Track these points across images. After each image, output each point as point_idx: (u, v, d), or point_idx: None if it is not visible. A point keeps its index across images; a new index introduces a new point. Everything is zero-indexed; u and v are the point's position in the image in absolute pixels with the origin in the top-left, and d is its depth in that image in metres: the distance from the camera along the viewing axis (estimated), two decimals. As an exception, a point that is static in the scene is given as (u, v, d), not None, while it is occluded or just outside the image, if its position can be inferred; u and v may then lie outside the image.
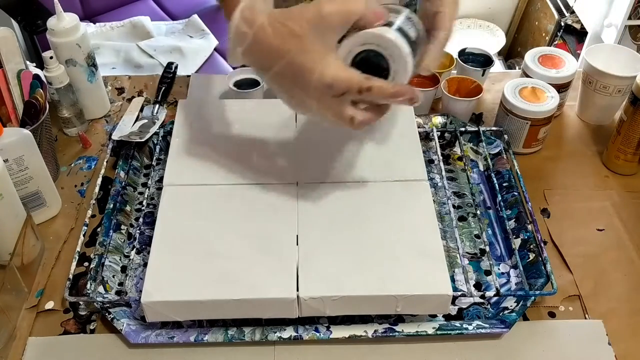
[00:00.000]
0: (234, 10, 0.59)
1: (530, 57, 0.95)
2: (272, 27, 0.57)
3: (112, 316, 0.68)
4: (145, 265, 0.72)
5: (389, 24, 0.59)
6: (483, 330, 0.68)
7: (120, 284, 0.74)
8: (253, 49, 0.59)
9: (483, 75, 0.97)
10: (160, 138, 0.88)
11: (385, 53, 0.59)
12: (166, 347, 0.68)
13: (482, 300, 0.72)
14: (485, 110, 0.99)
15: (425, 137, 0.90)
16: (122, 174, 0.84)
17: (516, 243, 0.77)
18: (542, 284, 0.71)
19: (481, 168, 0.89)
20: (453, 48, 0.85)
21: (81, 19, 0.92)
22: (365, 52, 0.59)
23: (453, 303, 0.71)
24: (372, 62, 0.59)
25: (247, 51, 0.59)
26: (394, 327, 0.68)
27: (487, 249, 0.76)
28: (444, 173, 0.83)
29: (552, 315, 0.72)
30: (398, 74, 0.59)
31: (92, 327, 0.70)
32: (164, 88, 1.00)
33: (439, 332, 0.67)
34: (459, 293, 0.70)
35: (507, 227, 0.78)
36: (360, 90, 0.57)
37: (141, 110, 0.96)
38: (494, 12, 2.44)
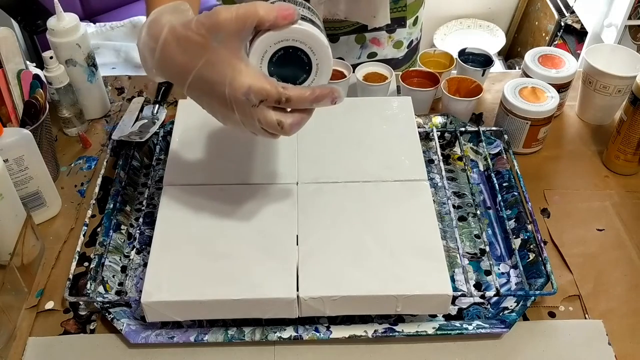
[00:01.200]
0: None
1: (530, 57, 0.95)
2: (175, 41, 0.55)
3: (112, 316, 0.68)
4: (145, 265, 0.72)
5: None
6: (483, 330, 0.68)
7: (120, 284, 0.74)
8: (162, 65, 0.57)
9: (483, 75, 0.97)
10: (160, 138, 0.88)
11: (304, 47, 0.56)
12: (166, 347, 0.68)
13: (482, 300, 0.72)
14: (485, 110, 0.99)
15: (425, 137, 0.90)
16: (122, 174, 0.84)
17: (516, 243, 0.77)
18: (542, 284, 0.71)
19: (481, 168, 0.89)
20: (453, 48, 0.85)
21: (81, 19, 0.92)
22: (283, 49, 0.56)
23: (453, 303, 0.71)
24: (292, 58, 0.57)
25: (157, 67, 0.58)
26: (394, 327, 0.68)
27: (487, 249, 0.76)
28: (444, 173, 0.83)
29: (552, 315, 0.72)
30: (321, 66, 0.57)
31: (92, 327, 0.70)
32: (164, 88, 1.00)
33: (439, 332, 0.67)
34: (459, 293, 0.70)
35: (507, 227, 0.78)
36: (278, 101, 0.55)
37: (141, 110, 0.96)
38: (494, 12, 2.44)
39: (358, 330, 0.68)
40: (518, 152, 0.91)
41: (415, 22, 1.07)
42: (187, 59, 0.55)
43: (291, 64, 0.57)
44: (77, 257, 0.73)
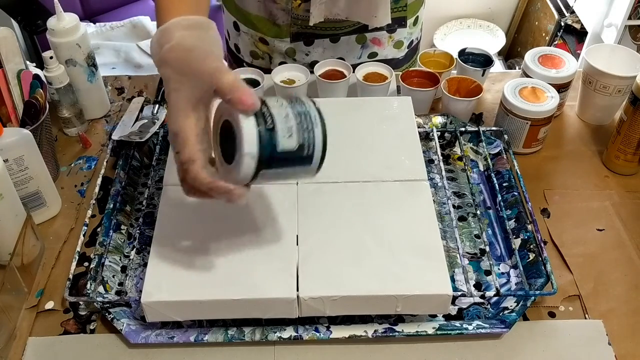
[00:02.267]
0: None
1: (530, 57, 0.95)
2: (169, 61, 0.59)
3: (112, 316, 0.68)
4: (145, 265, 0.72)
5: (262, 108, 0.56)
6: (483, 330, 0.68)
7: (120, 284, 0.74)
8: (158, 69, 0.61)
9: (483, 75, 0.97)
10: (160, 138, 0.88)
11: (237, 135, 0.56)
12: (166, 347, 0.68)
13: (482, 300, 0.72)
14: (485, 110, 0.99)
15: (425, 137, 0.90)
16: (122, 174, 0.84)
17: (516, 243, 0.77)
18: (542, 284, 0.71)
19: (481, 168, 0.89)
20: (453, 48, 0.85)
21: (81, 19, 0.92)
22: (229, 122, 0.57)
23: (453, 303, 0.71)
24: (231, 136, 0.57)
25: (160, 60, 0.61)
26: (394, 327, 0.68)
27: (487, 249, 0.76)
28: (444, 173, 0.83)
29: (552, 315, 0.72)
30: (237, 163, 0.56)
31: (92, 327, 0.70)
32: (164, 88, 1.00)
33: (439, 332, 0.67)
34: (459, 293, 0.70)
35: (507, 227, 0.78)
36: (185, 162, 0.58)
37: (141, 110, 0.96)
38: (494, 12, 2.44)
39: (358, 330, 0.68)
40: (518, 152, 0.91)
41: (415, 22, 1.07)
42: (167, 77, 0.60)
43: (230, 139, 0.57)
44: (77, 257, 0.73)
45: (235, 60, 1.11)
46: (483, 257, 0.77)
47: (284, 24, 0.99)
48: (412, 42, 1.09)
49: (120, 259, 0.76)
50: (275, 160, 0.56)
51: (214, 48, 0.61)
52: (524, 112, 0.87)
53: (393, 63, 1.07)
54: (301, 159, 0.58)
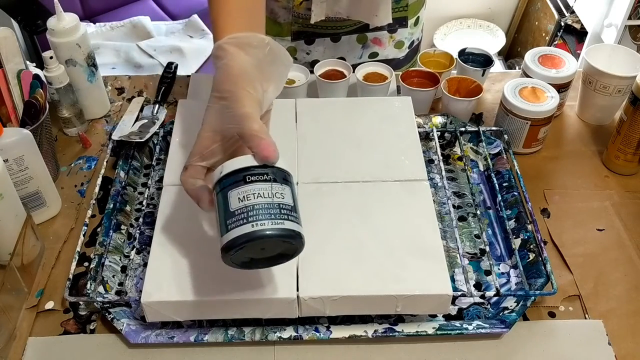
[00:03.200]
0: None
1: (530, 57, 0.95)
2: (221, 72, 0.61)
3: (112, 316, 0.68)
4: (145, 265, 0.72)
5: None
6: (483, 330, 0.68)
7: (120, 284, 0.74)
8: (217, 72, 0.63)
9: (483, 75, 0.97)
10: (160, 138, 0.88)
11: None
12: (166, 347, 0.68)
13: (482, 300, 0.72)
14: (485, 110, 0.99)
15: (425, 137, 0.90)
16: (122, 174, 0.84)
17: (516, 243, 0.77)
18: (542, 284, 0.71)
19: (481, 168, 0.89)
20: (453, 48, 0.85)
21: (81, 19, 0.92)
22: None
23: (453, 303, 0.71)
24: None
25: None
26: (394, 327, 0.68)
27: (487, 249, 0.76)
28: (444, 173, 0.83)
29: (552, 315, 0.72)
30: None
31: (92, 327, 0.70)
32: (164, 88, 1.00)
33: (439, 332, 0.67)
34: (459, 293, 0.70)
35: (507, 227, 0.78)
36: (186, 167, 0.60)
37: (141, 110, 0.96)
38: (494, 12, 2.44)
39: (358, 330, 0.68)
40: (518, 152, 0.91)
41: (416, 23, 1.07)
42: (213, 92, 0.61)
43: None
44: (77, 257, 0.73)
45: None
46: (483, 257, 0.77)
47: (285, 23, 0.99)
48: (412, 42, 1.09)
49: (120, 259, 0.76)
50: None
51: (260, 73, 0.62)
52: (524, 112, 0.87)
53: (394, 63, 1.07)
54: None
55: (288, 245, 0.57)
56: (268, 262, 0.60)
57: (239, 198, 0.55)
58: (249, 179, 0.56)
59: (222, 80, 0.60)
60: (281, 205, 0.56)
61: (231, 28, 0.64)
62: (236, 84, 0.60)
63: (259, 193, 0.55)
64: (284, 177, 0.58)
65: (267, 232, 0.54)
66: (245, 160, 0.57)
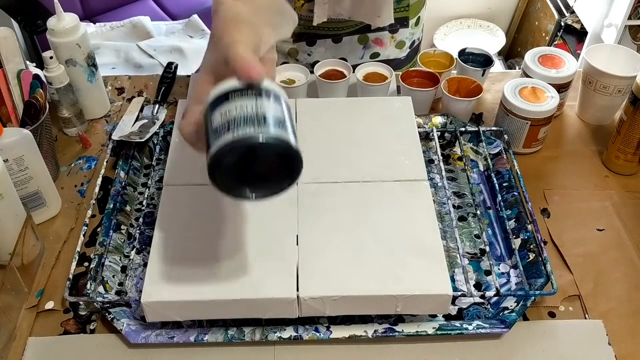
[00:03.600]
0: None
1: (530, 57, 0.95)
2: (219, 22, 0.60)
3: (112, 316, 0.68)
4: (145, 265, 0.72)
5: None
6: (483, 330, 0.68)
7: (120, 284, 0.74)
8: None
9: (483, 75, 0.97)
10: (160, 138, 0.88)
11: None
12: (166, 347, 0.68)
13: (482, 300, 0.72)
14: (485, 110, 0.99)
15: (425, 137, 0.90)
16: (122, 174, 0.84)
17: (516, 243, 0.77)
18: (542, 284, 0.71)
19: (481, 168, 0.89)
20: (453, 48, 0.85)
21: (81, 19, 0.92)
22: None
23: (453, 303, 0.71)
24: None
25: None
26: (394, 327, 0.68)
27: (487, 249, 0.76)
28: (444, 173, 0.83)
29: (552, 315, 0.72)
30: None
31: (92, 327, 0.70)
32: (164, 88, 1.00)
33: (439, 332, 0.67)
34: (459, 293, 0.70)
35: (507, 227, 0.78)
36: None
37: (141, 110, 0.96)
38: (494, 12, 2.44)
39: (358, 330, 0.68)
40: (518, 152, 0.91)
41: (417, 22, 1.07)
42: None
43: None
44: (77, 257, 0.73)
45: None
46: (483, 257, 0.77)
47: None
48: (413, 42, 1.09)
49: (120, 259, 0.76)
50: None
51: (256, 18, 0.61)
52: (524, 112, 0.87)
53: (395, 63, 1.07)
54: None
55: (281, 159, 0.51)
56: (265, 188, 0.54)
57: (221, 114, 0.52)
58: (231, 96, 0.52)
59: (216, 26, 0.59)
60: (267, 116, 0.51)
61: None
62: (228, 26, 0.58)
63: (241, 105, 0.51)
64: (274, 95, 0.54)
65: (250, 137, 0.49)
66: (229, 84, 0.53)
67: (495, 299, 0.72)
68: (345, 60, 0.99)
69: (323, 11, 0.93)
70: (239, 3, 0.61)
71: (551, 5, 2.18)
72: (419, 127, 0.86)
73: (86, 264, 0.75)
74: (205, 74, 0.59)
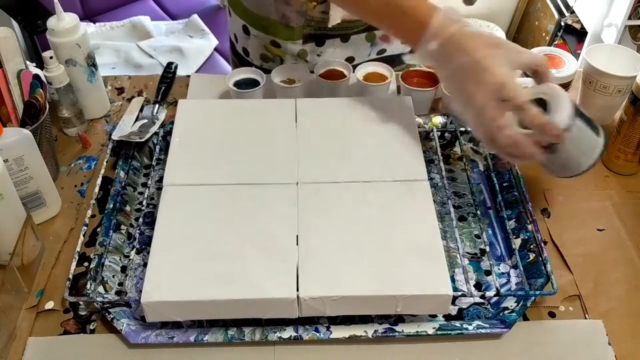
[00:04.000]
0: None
1: (530, 57, 0.94)
2: (470, 32, 0.70)
3: (112, 316, 0.68)
4: (145, 265, 0.72)
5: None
6: (483, 330, 0.68)
7: (120, 284, 0.74)
8: (447, 44, 0.70)
9: (483, 75, 0.96)
10: (160, 138, 0.88)
11: (549, 100, 0.69)
12: (166, 347, 0.68)
13: (482, 300, 0.72)
14: (485, 110, 0.99)
15: (425, 137, 0.90)
16: (122, 174, 0.84)
17: (516, 243, 0.77)
18: (542, 284, 0.71)
19: (481, 168, 0.89)
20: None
21: (81, 19, 0.92)
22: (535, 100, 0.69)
23: (453, 303, 0.71)
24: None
25: (440, 45, 0.70)
26: (394, 327, 0.68)
27: (487, 249, 0.76)
28: (444, 173, 0.83)
29: (552, 315, 0.72)
30: (557, 109, 0.68)
31: (92, 327, 0.70)
32: (164, 88, 1.00)
33: (439, 332, 0.67)
34: (459, 293, 0.70)
35: (507, 227, 0.78)
36: (519, 106, 0.66)
37: (141, 110, 0.96)
38: (494, 12, 2.44)
39: (358, 330, 0.68)
40: None
41: None
42: (475, 46, 0.70)
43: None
44: (77, 257, 0.73)
45: (243, 63, 1.10)
46: (483, 257, 0.77)
47: (297, 26, 0.99)
48: None
49: (120, 259, 0.76)
50: (579, 114, 0.69)
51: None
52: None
53: (401, 58, 1.07)
54: (593, 127, 0.70)
55: None
56: None
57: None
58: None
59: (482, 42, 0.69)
60: None
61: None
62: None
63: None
64: None
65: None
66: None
67: (495, 299, 0.72)
68: (353, 58, 0.99)
69: (337, 13, 0.93)
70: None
71: (551, 5, 2.18)
72: (419, 127, 0.86)
73: (86, 264, 0.75)
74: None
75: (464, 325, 0.68)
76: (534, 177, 0.88)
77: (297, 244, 0.69)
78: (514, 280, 0.74)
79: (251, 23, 1.03)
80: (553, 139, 0.67)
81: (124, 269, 0.75)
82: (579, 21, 2.05)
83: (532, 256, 0.75)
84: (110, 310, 0.69)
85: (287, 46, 1.01)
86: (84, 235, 0.76)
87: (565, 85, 0.93)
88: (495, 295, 0.70)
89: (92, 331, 0.70)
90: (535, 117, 0.66)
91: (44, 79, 0.87)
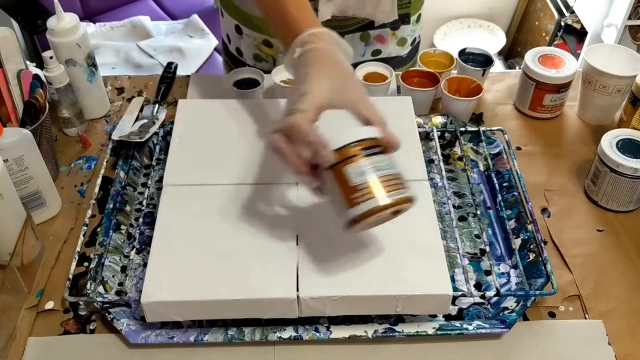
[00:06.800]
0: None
1: (531, 57, 0.95)
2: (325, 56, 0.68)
3: (112, 316, 0.68)
4: (145, 265, 0.72)
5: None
6: (483, 330, 0.68)
7: (120, 284, 0.74)
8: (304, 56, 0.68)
9: (483, 75, 0.97)
10: (160, 138, 0.88)
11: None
12: (166, 347, 0.68)
13: (482, 300, 0.72)
14: (485, 110, 0.99)
15: (425, 137, 0.90)
16: (122, 174, 0.84)
17: (516, 243, 0.77)
18: (542, 284, 0.71)
19: (481, 168, 0.88)
20: (453, 48, 0.85)
21: (81, 19, 0.92)
22: None
23: (453, 303, 0.71)
24: None
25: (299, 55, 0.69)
26: (394, 327, 0.68)
27: (487, 249, 0.76)
28: (444, 173, 0.83)
29: (552, 315, 0.72)
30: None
31: (92, 327, 0.70)
32: (164, 88, 1.00)
33: (439, 332, 0.67)
34: (459, 293, 0.70)
35: (507, 227, 0.78)
36: (292, 119, 0.62)
37: (141, 110, 0.96)
38: (494, 12, 2.44)
39: (358, 330, 0.68)
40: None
41: (418, 19, 1.07)
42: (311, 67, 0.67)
43: None
44: (77, 257, 0.73)
45: (236, 64, 1.10)
46: (483, 257, 0.77)
47: None
48: (414, 39, 1.09)
49: (120, 259, 0.76)
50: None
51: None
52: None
53: (397, 61, 1.07)
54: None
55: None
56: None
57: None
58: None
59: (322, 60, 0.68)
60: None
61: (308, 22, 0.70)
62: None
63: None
64: None
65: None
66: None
67: (495, 299, 0.72)
68: None
69: (327, 9, 0.93)
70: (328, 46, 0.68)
71: (551, 5, 2.18)
72: (419, 127, 0.86)
73: (86, 264, 0.75)
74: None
75: (464, 325, 0.68)
76: (534, 177, 0.88)
77: (297, 244, 0.69)
78: (514, 280, 0.74)
79: (243, 22, 1.02)
80: (318, 159, 0.62)
81: (123, 269, 0.75)
82: (579, 21, 2.05)
83: (532, 256, 0.75)
84: (110, 310, 0.69)
85: (280, 45, 1.01)
86: (83, 235, 0.76)
87: (565, 86, 0.93)
88: (495, 295, 0.70)
89: (92, 331, 0.70)
90: (306, 133, 0.61)
91: (44, 79, 0.87)
